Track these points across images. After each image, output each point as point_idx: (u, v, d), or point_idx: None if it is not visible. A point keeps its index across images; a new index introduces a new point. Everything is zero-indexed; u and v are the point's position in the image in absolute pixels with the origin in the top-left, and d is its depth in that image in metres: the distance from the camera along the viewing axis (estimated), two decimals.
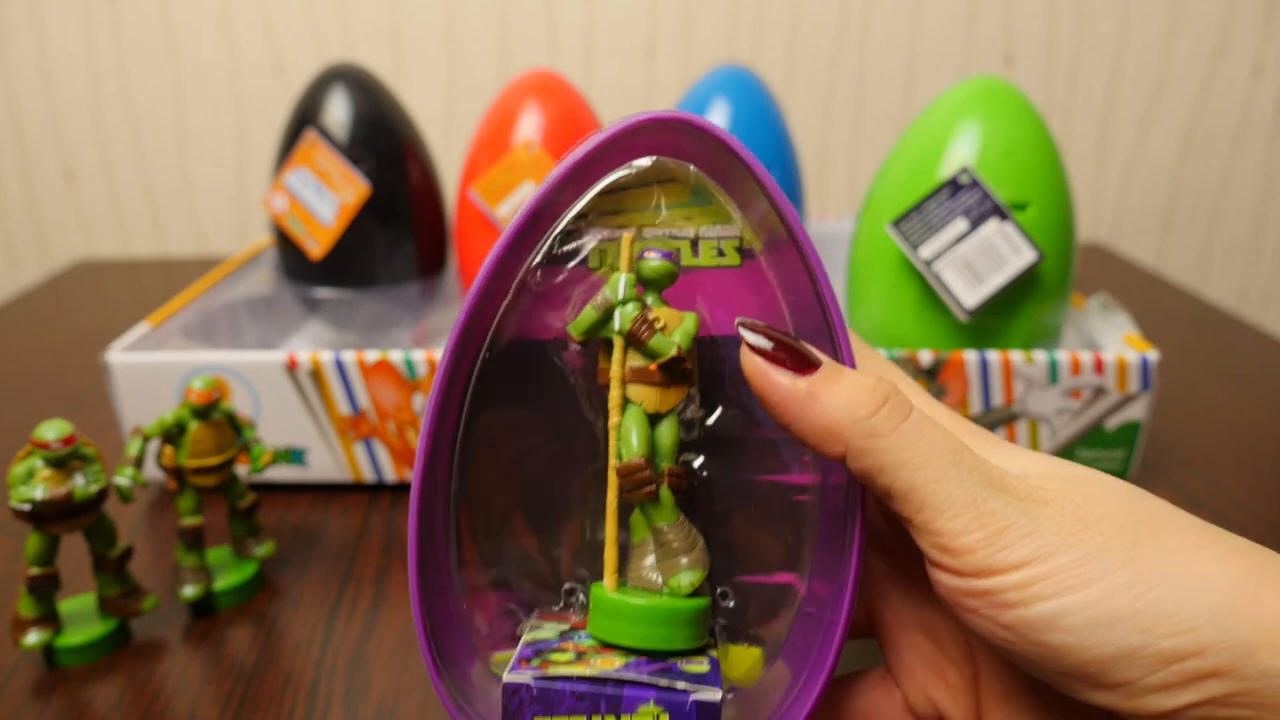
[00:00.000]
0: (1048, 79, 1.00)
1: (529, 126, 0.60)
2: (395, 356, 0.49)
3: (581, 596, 0.30)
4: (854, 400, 0.23)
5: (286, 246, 0.64)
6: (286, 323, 0.63)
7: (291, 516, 0.50)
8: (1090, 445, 0.50)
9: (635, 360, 0.27)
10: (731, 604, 0.29)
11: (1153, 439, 0.56)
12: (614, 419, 0.27)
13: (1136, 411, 0.49)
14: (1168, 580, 0.21)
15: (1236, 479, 0.52)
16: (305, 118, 0.62)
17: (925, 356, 0.49)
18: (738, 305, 0.29)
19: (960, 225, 0.49)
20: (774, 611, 0.29)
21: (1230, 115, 1.01)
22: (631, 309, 0.27)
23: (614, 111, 0.99)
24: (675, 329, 0.28)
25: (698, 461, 0.29)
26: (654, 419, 0.28)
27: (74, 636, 0.39)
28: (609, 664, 0.26)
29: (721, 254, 0.28)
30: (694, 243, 0.28)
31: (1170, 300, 0.82)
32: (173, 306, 0.58)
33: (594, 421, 0.29)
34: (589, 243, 0.28)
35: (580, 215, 0.28)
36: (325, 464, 0.51)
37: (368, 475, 0.51)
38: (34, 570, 0.37)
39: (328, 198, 0.61)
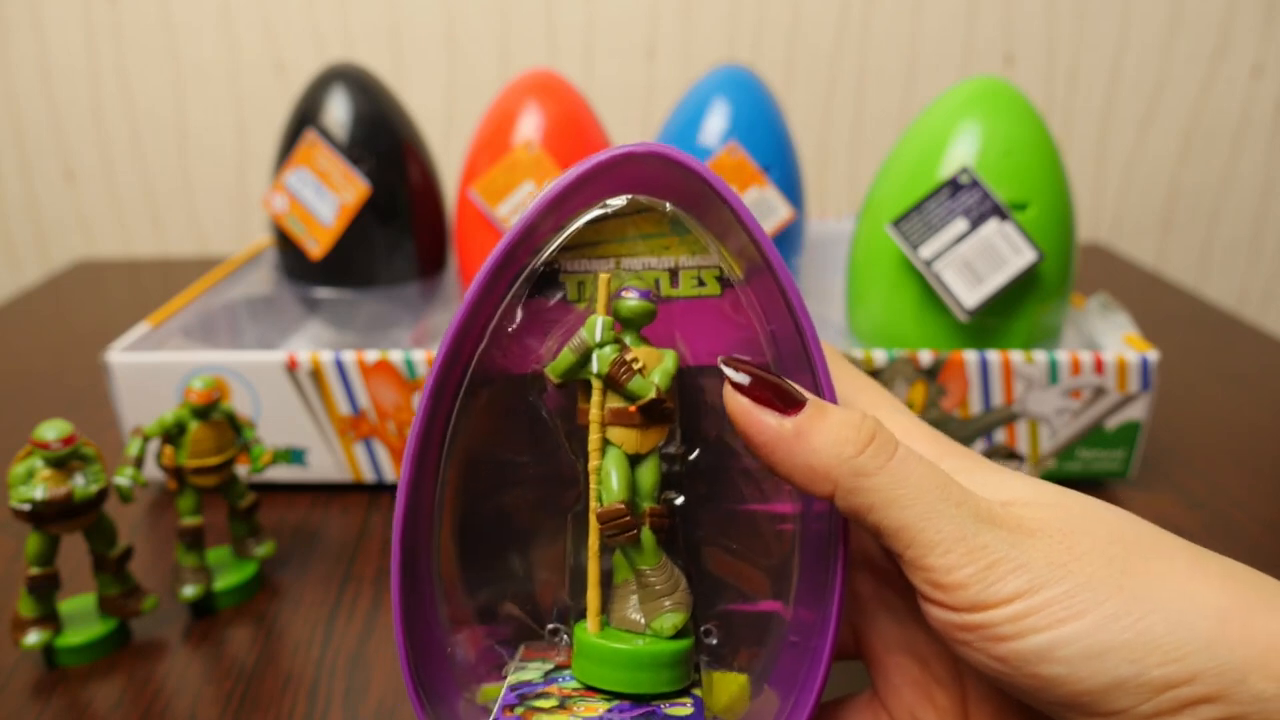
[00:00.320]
0: (1048, 79, 1.00)
1: (529, 126, 0.60)
2: (395, 356, 0.49)
3: (565, 637, 0.30)
4: (841, 439, 0.23)
5: (286, 246, 0.64)
6: (286, 323, 0.63)
7: (291, 516, 0.50)
8: (1090, 445, 0.50)
9: (614, 402, 0.27)
10: (715, 641, 0.29)
11: (1153, 439, 0.56)
12: (594, 462, 0.27)
13: (1136, 411, 0.49)
14: (1158, 608, 0.21)
15: (1236, 479, 0.52)
16: (305, 118, 0.62)
17: (925, 356, 0.49)
18: (718, 335, 0.28)
19: (960, 225, 0.49)
20: (759, 639, 0.29)
21: (1230, 115, 1.01)
22: (609, 351, 0.27)
23: (614, 111, 0.99)
24: (654, 369, 0.27)
25: (679, 499, 0.29)
26: (634, 459, 0.27)
27: (74, 636, 0.39)
28: (592, 710, 0.26)
29: (702, 283, 0.28)
30: (673, 273, 0.28)
31: (1170, 300, 0.82)
32: (173, 306, 0.58)
33: (574, 462, 0.29)
34: (567, 276, 0.28)
35: (558, 249, 0.27)
36: (325, 464, 0.51)
37: (368, 475, 0.51)
38: (34, 570, 0.37)
39: (328, 198, 0.61)
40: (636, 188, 0.27)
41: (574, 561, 0.29)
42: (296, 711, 0.36)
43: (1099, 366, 0.48)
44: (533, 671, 0.28)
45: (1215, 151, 1.03)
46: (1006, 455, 0.50)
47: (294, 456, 0.51)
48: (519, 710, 0.26)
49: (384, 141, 0.63)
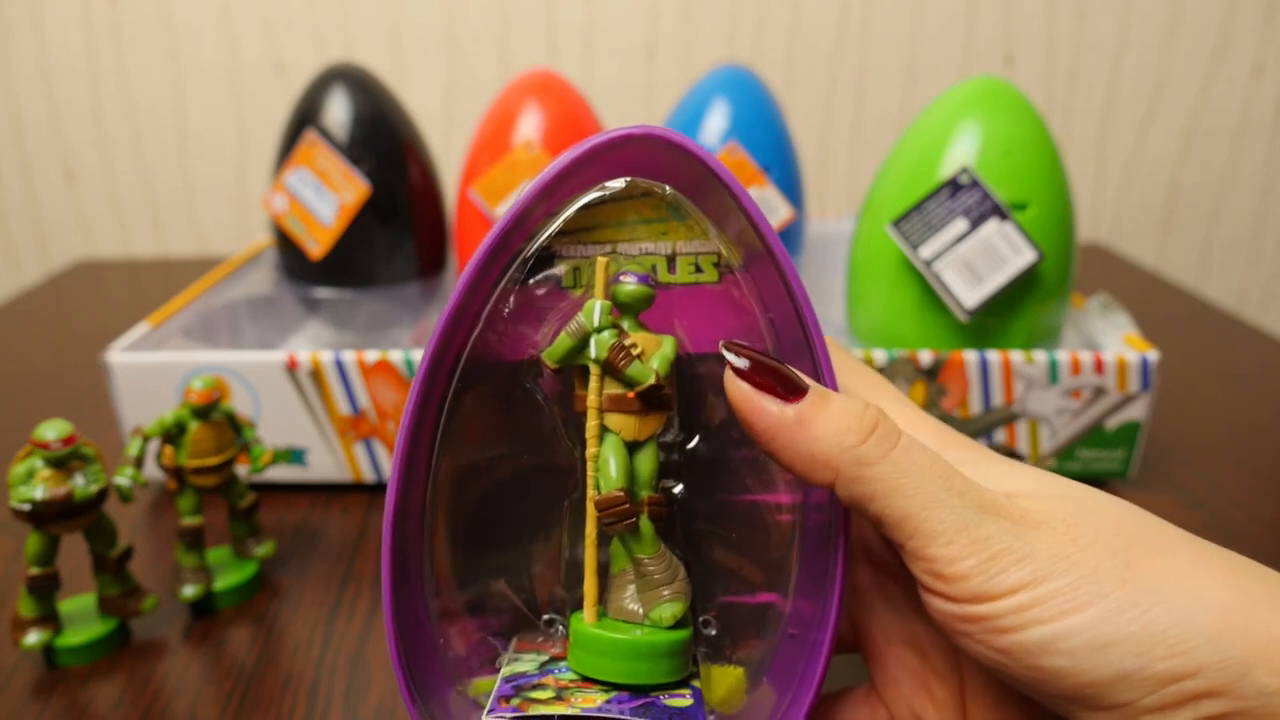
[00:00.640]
0: (1048, 79, 1.00)
1: (529, 126, 0.60)
2: (395, 356, 0.49)
3: (561, 628, 0.29)
4: (843, 427, 0.23)
5: (286, 246, 0.64)
6: (286, 323, 0.63)
7: (291, 516, 0.50)
8: (1090, 445, 0.50)
9: (612, 388, 0.27)
10: (713, 632, 0.29)
11: (1153, 439, 0.56)
12: (591, 449, 0.27)
13: (1136, 411, 0.49)
14: (1162, 602, 0.21)
15: (1236, 479, 0.52)
16: (305, 118, 0.62)
17: (925, 356, 0.49)
18: (716, 322, 0.28)
19: (960, 225, 0.49)
20: (757, 632, 0.28)
21: (1230, 115, 1.01)
22: (607, 336, 0.26)
23: (614, 111, 0.99)
24: (653, 354, 0.27)
25: (678, 488, 0.29)
26: (632, 447, 0.27)
27: (74, 636, 0.39)
28: (590, 701, 0.26)
29: (699, 270, 0.28)
30: (671, 259, 0.27)
31: (1170, 300, 0.82)
32: (173, 306, 0.58)
33: (571, 449, 0.28)
34: (563, 261, 0.27)
35: (553, 233, 0.27)
36: (325, 464, 0.51)
37: (368, 475, 0.51)
38: (34, 570, 0.37)
39: (328, 198, 0.61)
40: (634, 172, 0.27)
41: (570, 551, 0.29)
42: (296, 711, 0.36)
43: (1099, 366, 0.48)
44: (527, 663, 0.28)
45: (1215, 151, 1.03)
46: (1007, 455, 0.50)
47: (294, 456, 0.51)
48: (515, 701, 0.26)
49: (384, 141, 0.63)
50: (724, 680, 0.28)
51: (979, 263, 0.49)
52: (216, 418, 0.42)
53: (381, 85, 0.65)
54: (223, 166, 1.04)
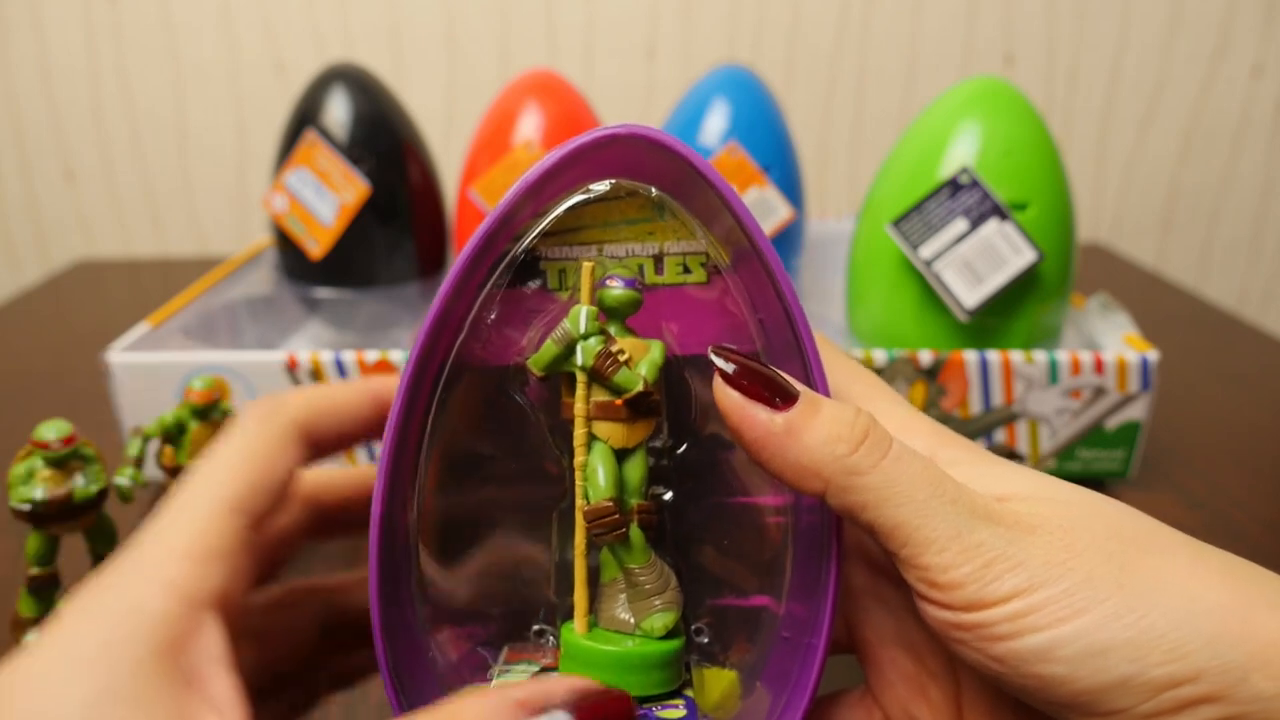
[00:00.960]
0: (1048, 79, 1.00)
1: (529, 126, 0.60)
2: (395, 356, 0.49)
3: (552, 638, 0.29)
4: (833, 436, 0.23)
5: (286, 246, 0.64)
6: (286, 323, 0.63)
7: None
8: (1090, 445, 0.50)
9: (600, 395, 0.26)
10: (706, 639, 0.28)
11: (1153, 439, 0.56)
12: (579, 458, 0.26)
13: (1136, 411, 0.49)
14: (1158, 606, 0.21)
15: (1236, 479, 0.52)
16: (305, 118, 0.62)
17: (925, 356, 0.49)
18: (705, 323, 0.27)
19: (960, 225, 0.49)
20: (750, 635, 0.28)
21: (1230, 115, 1.01)
22: (594, 343, 0.26)
23: (614, 111, 0.99)
24: (641, 360, 0.26)
25: (667, 495, 0.28)
26: (621, 454, 0.27)
27: None
28: None
29: (687, 270, 0.27)
30: (658, 259, 0.27)
31: (1170, 300, 0.82)
32: (173, 306, 0.58)
33: (558, 458, 0.28)
34: (549, 263, 0.27)
35: (539, 235, 0.26)
36: (325, 464, 0.51)
37: None
38: (34, 570, 0.37)
39: (328, 198, 0.61)
40: (620, 172, 0.26)
41: (559, 560, 0.29)
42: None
43: (1099, 366, 0.48)
44: (518, 674, 0.28)
45: (1215, 151, 1.03)
46: (1007, 455, 0.50)
47: None
48: None
49: (384, 141, 0.63)
50: (717, 683, 0.28)
51: (979, 263, 0.49)
52: (216, 418, 0.42)
53: (381, 85, 0.65)
54: (223, 166, 1.04)
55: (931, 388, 0.49)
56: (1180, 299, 0.82)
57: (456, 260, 0.25)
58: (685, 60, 1.00)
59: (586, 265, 0.26)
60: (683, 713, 0.26)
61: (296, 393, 0.25)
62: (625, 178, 0.26)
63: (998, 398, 0.49)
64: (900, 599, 0.28)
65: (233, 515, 0.22)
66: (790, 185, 0.63)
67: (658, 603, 0.27)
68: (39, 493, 0.35)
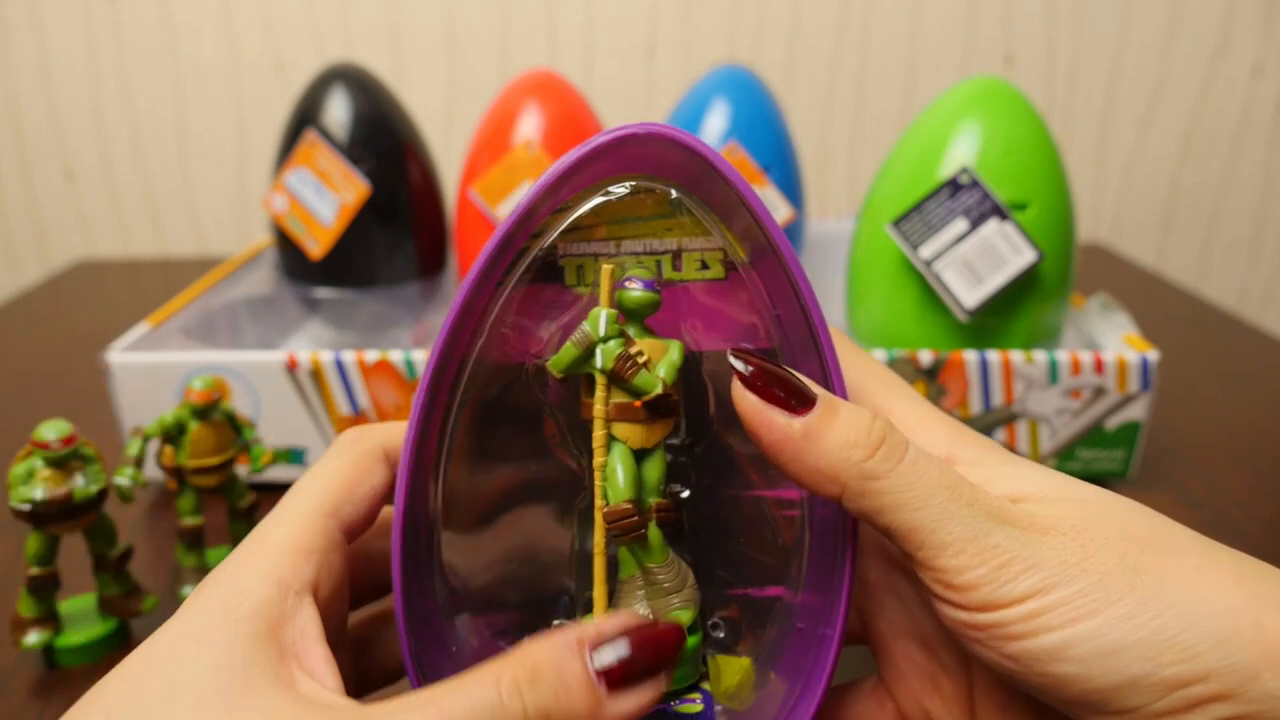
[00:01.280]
0: (1048, 79, 1.00)
1: (529, 126, 0.60)
2: (395, 356, 0.49)
3: None
4: (850, 441, 0.23)
5: (286, 246, 0.64)
6: (286, 323, 0.63)
7: None
8: (1090, 445, 0.50)
9: (619, 397, 0.26)
10: (722, 635, 0.29)
11: (1153, 439, 0.56)
12: (599, 459, 0.27)
13: (1136, 411, 0.49)
14: (1170, 606, 0.21)
15: (1236, 479, 0.52)
16: (305, 118, 0.62)
17: (925, 356, 0.49)
18: (722, 319, 0.27)
19: (960, 225, 0.49)
20: (766, 625, 0.28)
21: (1230, 115, 1.01)
22: (614, 345, 0.26)
23: (614, 111, 0.99)
24: (659, 361, 0.27)
25: (685, 493, 0.29)
26: (640, 455, 0.27)
27: (74, 636, 0.39)
28: None
29: (705, 266, 0.27)
30: (676, 255, 0.27)
31: (1170, 300, 0.82)
32: (173, 306, 0.58)
33: (578, 457, 0.28)
34: (566, 260, 0.27)
35: (559, 233, 0.27)
36: None
37: None
38: (34, 570, 0.37)
39: (328, 198, 0.61)
40: (637, 169, 0.26)
41: (579, 556, 0.29)
42: None
43: (1099, 366, 0.48)
44: None
45: (1215, 151, 1.03)
46: None
47: (294, 456, 0.51)
48: None
49: (384, 141, 0.63)
50: (732, 671, 0.28)
51: (979, 263, 0.49)
52: (216, 418, 0.42)
53: (381, 85, 0.65)
54: (223, 166, 1.04)
55: (931, 388, 0.49)
56: (1180, 299, 0.82)
57: (478, 258, 0.26)
58: (685, 60, 1.00)
59: (606, 267, 0.27)
60: (700, 707, 0.26)
61: (381, 424, 0.28)
62: (642, 175, 0.27)
63: (998, 398, 0.49)
64: (914, 593, 0.28)
65: (326, 519, 0.25)
66: (790, 185, 0.63)
67: (675, 601, 0.27)
68: (39, 493, 0.35)
